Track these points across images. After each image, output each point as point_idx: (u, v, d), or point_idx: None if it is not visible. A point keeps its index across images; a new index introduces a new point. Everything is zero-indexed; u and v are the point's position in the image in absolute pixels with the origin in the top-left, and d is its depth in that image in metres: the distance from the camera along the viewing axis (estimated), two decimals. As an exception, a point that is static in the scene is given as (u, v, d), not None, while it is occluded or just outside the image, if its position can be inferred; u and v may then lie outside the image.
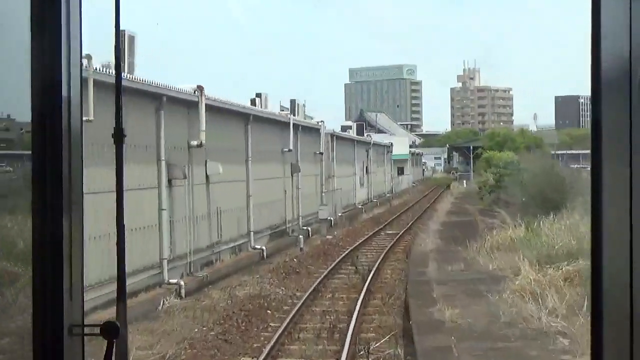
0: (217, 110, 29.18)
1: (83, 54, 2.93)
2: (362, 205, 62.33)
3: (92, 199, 16.88)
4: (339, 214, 50.64)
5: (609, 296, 2.19)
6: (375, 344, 15.15)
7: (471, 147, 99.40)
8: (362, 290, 21.84)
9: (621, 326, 2.05)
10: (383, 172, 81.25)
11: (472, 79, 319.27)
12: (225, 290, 22.00)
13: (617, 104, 2.13)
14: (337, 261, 28.72)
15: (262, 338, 16.44)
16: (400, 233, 39.40)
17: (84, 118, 2.88)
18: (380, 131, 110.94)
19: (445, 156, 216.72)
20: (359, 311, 18.49)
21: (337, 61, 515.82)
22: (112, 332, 2.73)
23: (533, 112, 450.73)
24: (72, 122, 2.70)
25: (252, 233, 32.41)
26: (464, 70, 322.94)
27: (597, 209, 2.25)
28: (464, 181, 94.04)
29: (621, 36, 2.09)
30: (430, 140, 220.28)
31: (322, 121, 47.24)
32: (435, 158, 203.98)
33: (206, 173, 27.57)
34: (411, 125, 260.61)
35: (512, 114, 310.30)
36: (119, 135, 3.09)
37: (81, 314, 2.77)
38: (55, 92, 2.65)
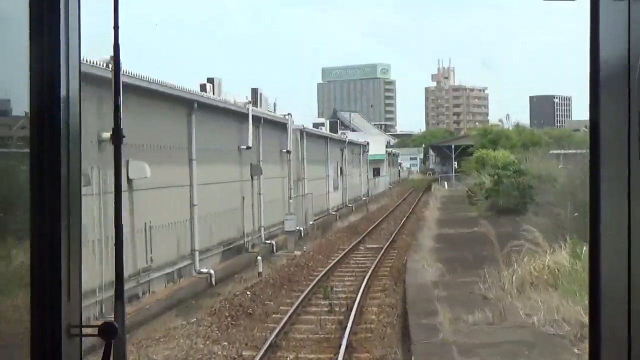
0: (146, 93, 22.00)
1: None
2: (336, 211, 55.33)
3: None
4: (310, 222, 43.58)
5: (607, 294, 2.14)
6: None
7: (452, 146, 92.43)
8: (339, 348, 14.83)
9: (619, 322, 2.01)
10: (359, 174, 74.25)
11: (446, 78, 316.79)
12: (136, 351, 14.80)
13: (615, 104, 2.09)
14: (305, 293, 21.63)
15: None
16: (384, 247, 32.38)
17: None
18: (354, 131, 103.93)
19: (421, 156, 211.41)
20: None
21: (309, 60, 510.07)
22: (110, 332, 2.72)
23: (511, 111, 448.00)
24: (71, 120, 2.71)
25: (196, 253, 25.23)
26: (439, 69, 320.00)
27: (595, 207, 2.23)
28: (445, 183, 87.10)
29: (619, 37, 2.06)
30: (405, 140, 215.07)
31: (289, 114, 40.11)
32: (411, 158, 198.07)
33: (127, 176, 20.37)
34: (385, 125, 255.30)
35: (487, 114, 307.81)
36: (117, 136, 3.14)
37: (79, 314, 2.76)
38: (53, 90, 2.65)
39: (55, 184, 2.64)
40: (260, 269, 25.42)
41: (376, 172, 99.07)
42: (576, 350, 11.46)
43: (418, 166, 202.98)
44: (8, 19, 2.61)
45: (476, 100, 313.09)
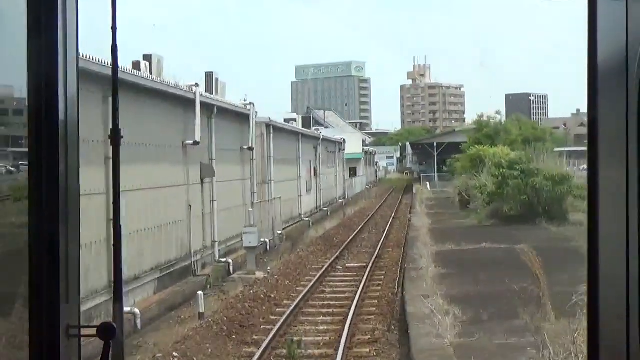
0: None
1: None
2: (309, 217, 48.63)
3: None
4: (279, 232, 36.86)
5: (606, 292, 2.18)
6: None
7: (435, 144, 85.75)
8: None
9: (618, 320, 2.04)
10: (334, 174, 67.59)
11: (422, 75, 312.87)
12: None
13: (613, 103, 2.11)
14: (260, 349, 14.90)
15: None
16: (368, 267, 25.75)
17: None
18: (328, 129, 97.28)
19: (398, 155, 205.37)
20: None
21: (282, 59, 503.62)
22: (109, 333, 2.71)
23: (489, 107, 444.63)
24: (69, 121, 2.71)
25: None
26: (414, 66, 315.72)
27: (594, 207, 2.25)
28: (427, 184, 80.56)
29: (617, 36, 2.08)
30: (381, 139, 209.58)
31: (250, 103, 33.30)
32: (388, 157, 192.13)
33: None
34: (360, 123, 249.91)
35: (464, 112, 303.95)
36: (115, 135, 3.16)
37: (78, 315, 2.77)
38: (52, 89, 2.65)
39: (54, 183, 2.63)
40: (202, 309, 18.54)
41: (353, 172, 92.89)
42: None
43: (395, 165, 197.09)
44: (6, 18, 2.64)
45: (452, 98, 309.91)
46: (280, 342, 15.85)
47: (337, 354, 14.42)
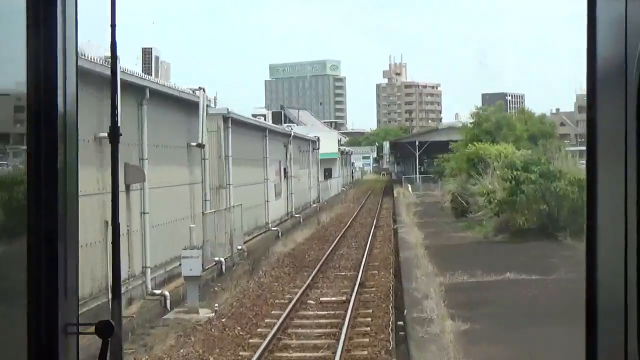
0: None
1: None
2: (277, 226, 41.99)
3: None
4: (238, 247, 30.23)
5: (604, 292, 2.18)
6: None
7: (417, 143, 79.19)
8: None
9: (616, 322, 2.05)
10: (308, 175, 60.95)
11: (398, 74, 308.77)
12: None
13: (612, 103, 2.12)
14: None
15: None
16: (351, 303, 19.14)
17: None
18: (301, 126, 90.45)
19: (375, 155, 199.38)
20: None
21: (256, 57, 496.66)
22: (107, 330, 2.72)
23: (465, 107, 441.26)
24: (68, 118, 2.70)
25: None
26: (390, 65, 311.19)
27: (592, 207, 2.24)
28: (409, 186, 74.00)
29: (616, 35, 2.08)
30: (356, 138, 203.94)
31: (200, 88, 26.49)
32: (364, 157, 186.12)
33: None
34: (335, 123, 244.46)
35: (440, 111, 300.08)
36: (114, 135, 3.40)
37: (76, 312, 2.76)
38: (50, 89, 2.64)
39: (53, 181, 2.62)
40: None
41: (328, 173, 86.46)
42: None
43: (371, 166, 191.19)
44: (5, 16, 2.62)
45: (429, 97, 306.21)
46: None
47: None
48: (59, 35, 2.63)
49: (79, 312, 2.77)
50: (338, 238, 36.37)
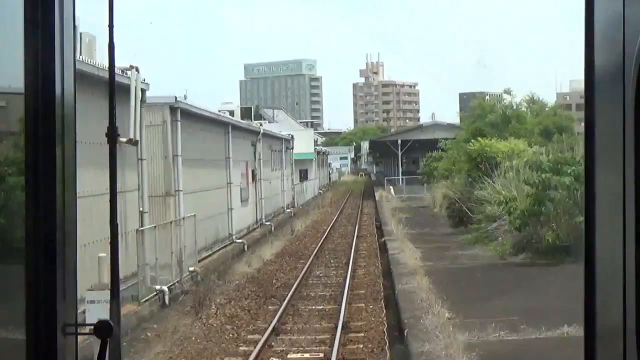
0: None
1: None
2: (244, 237, 35.98)
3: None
4: (190, 269, 24.23)
5: (602, 294, 2.18)
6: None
7: (399, 142, 73.12)
8: None
9: (615, 323, 2.06)
10: (280, 178, 54.87)
11: (375, 73, 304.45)
12: None
13: (610, 104, 2.11)
14: None
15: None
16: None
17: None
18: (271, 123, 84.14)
19: (352, 156, 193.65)
20: None
21: (231, 57, 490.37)
22: (106, 331, 2.71)
23: (442, 107, 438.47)
24: (66, 119, 2.71)
25: None
26: (367, 64, 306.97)
27: (590, 208, 2.24)
28: (392, 188, 67.96)
29: (614, 35, 2.08)
30: (333, 139, 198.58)
31: (132, 67, 20.21)
32: (341, 158, 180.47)
33: None
34: (312, 123, 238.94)
35: (418, 111, 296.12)
36: (112, 135, 3.21)
37: (74, 313, 2.76)
38: (48, 89, 2.65)
39: (51, 182, 2.63)
40: None
41: (304, 175, 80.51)
42: None
43: (349, 166, 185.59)
44: (2, 17, 2.64)
45: (406, 96, 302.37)
46: None
47: None
48: (56, 37, 2.63)
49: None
50: (314, 253, 30.33)
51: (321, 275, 25.43)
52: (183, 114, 26.34)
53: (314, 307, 19.72)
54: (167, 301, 20.88)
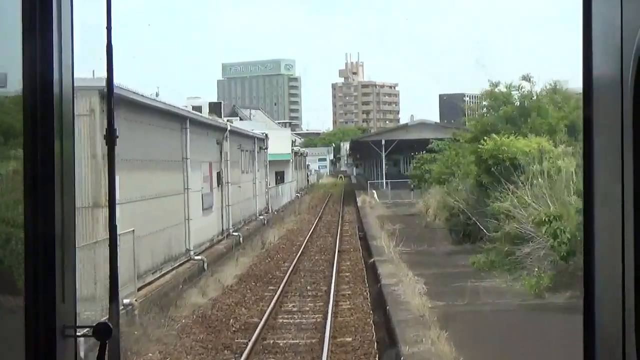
0: None
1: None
2: (204, 252, 30.26)
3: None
4: (125, 302, 18.44)
5: (601, 295, 2.18)
6: None
7: (383, 142, 67.43)
8: None
9: (614, 323, 2.06)
10: (252, 181, 49.10)
11: (355, 73, 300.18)
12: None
13: (608, 104, 2.12)
14: None
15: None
16: None
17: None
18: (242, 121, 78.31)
19: (331, 157, 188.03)
20: None
21: (209, 57, 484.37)
22: (105, 333, 2.72)
23: (421, 108, 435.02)
24: (64, 120, 2.71)
25: None
26: (347, 64, 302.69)
27: (589, 209, 2.25)
28: (374, 192, 62.31)
29: (612, 36, 2.08)
30: (312, 139, 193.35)
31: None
32: (320, 159, 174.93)
33: None
34: (290, 123, 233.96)
35: (398, 112, 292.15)
36: (111, 137, 3.17)
37: (74, 315, 2.76)
38: (47, 90, 2.65)
39: (49, 184, 2.62)
40: None
41: (280, 177, 74.99)
42: None
43: (328, 168, 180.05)
44: (1, 19, 2.61)
45: (387, 97, 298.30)
46: None
47: None
48: (54, 43, 2.64)
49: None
50: (287, 275, 24.68)
51: (294, 310, 19.76)
52: (122, 103, 20.58)
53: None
54: (81, 354, 15.21)
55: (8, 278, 2.69)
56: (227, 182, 38.47)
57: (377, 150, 70.21)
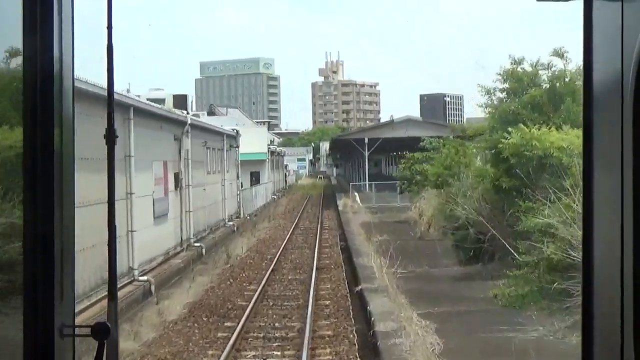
0: None
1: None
2: (153, 270, 24.85)
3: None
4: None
5: (600, 297, 2.18)
6: None
7: (366, 140, 61.95)
8: None
9: (612, 325, 2.07)
10: (221, 182, 43.58)
11: (335, 72, 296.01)
12: None
13: (608, 107, 2.12)
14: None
15: None
16: None
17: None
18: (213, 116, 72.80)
19: (311, 157, 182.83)
20: None
21: (187, 56, 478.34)
22: (103, 332, 2.72)
23: (401, 107, 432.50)
24: (65, 120, 2.69)
25: None
26: (327, 63, 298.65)
27: (589, 213, 2.23)
28: (357, 195, 56.93)
29: (612, 39, 2.08)
30: (290, 139, 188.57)
31: None
32: (299, 160, 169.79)
33: None
34: (269, 123, 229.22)
35: (379, 111, 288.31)
36: (111, 137, 3.19)
37: (72, 314, 2.75)
38: (47, 90, 2.62)
39: (49, 183, 2.60)
40: None
41: (255, 178, 69.75)
42: None
43: (307, 169, 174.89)
44: (1, 17, 2.60)
45: (367, 96, 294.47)
46: None
47: None
48: (55, 37, 2.64)
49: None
50: (251, 305, 19.28)
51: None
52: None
53: None
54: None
55: (6, 277, 2.67)
56: (188, 185, 32.99)
57: (359, 149, 64.70)
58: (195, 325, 17.58)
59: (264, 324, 17.63)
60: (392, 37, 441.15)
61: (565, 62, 20.46)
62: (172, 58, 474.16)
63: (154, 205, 27.01)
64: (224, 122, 56.34)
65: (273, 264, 27.42)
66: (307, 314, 17.79)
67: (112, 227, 3.29)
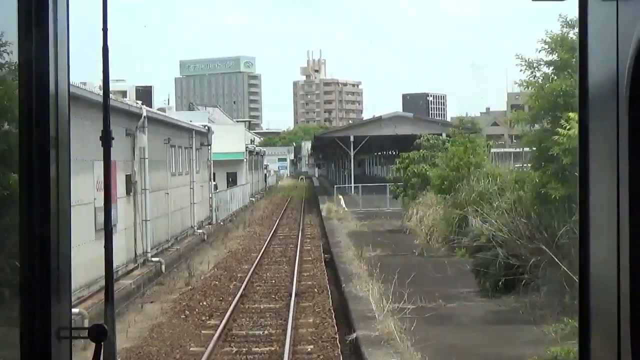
0: None
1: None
2: (94, 296, 19.76)
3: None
4: None
5: (596, 298, 2.16)
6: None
7: (351, 138, 56.89)
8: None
9: (609, 324, 2.05)
10: (190, 185, 38.50)
11: (317, 71, 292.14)
12: None
13: (603, 108, 2.12)
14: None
15: None
16: None
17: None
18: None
19: (292, 157, 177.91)
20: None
21: (167, 54, 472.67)
22: (100, 335, 2.69)
23: (384, 107, 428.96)
24: (60, 121, 2.68)
25: None
26: (308, 61, 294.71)
27: (585, 214, 2.21)
28: (342, 199, 51.94)
29: (608, 39, 2.07)
30: (271, 139, 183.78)
31: None
32: (280, 160, 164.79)
33: None
34: (250, 122, 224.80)
35: (362, 111, 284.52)
36: (106, 137, 3.14)
37: (69, 317, 2.74)
38: (43, 91, 2.62)
39: (45, 184, 2.60)
40: None
41: (232, 180, 64.91)
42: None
43: (288, 169, 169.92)
44: None
45: (349, 95, 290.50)
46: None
47: None
48: (50, 40, 2.61)
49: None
50: (209, 351, 14.26)
51: None
52: None
53: None
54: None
55: (3, 280, 2.68)
56: (144, 189, 27.92)
57: (344, 148, 59.69)
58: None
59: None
60: (375, 37, 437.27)
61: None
62: (153, 56, 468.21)
63: (95, 215, 21.93)
64: (194, 117, 51.29)
65: (243, 286, 22.40)
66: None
67: (108, 227, 3.19)
